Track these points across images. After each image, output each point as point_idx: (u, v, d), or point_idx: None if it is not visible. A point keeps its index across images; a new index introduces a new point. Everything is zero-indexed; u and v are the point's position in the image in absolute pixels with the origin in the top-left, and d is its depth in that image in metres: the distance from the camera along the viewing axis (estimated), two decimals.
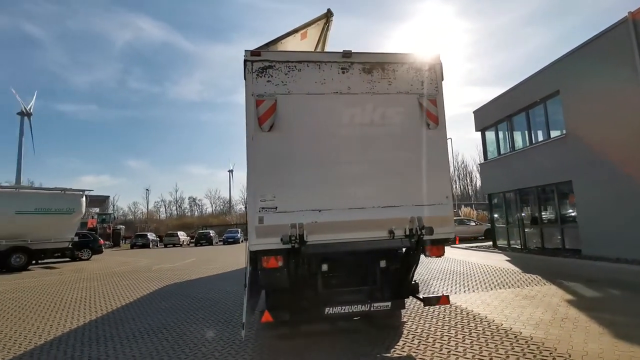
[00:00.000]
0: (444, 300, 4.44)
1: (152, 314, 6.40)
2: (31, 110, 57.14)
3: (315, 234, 4.08)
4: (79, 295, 8.55)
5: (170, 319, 5.92)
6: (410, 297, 4.80)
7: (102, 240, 24.44)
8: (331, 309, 4.19)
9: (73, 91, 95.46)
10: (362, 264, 4.56)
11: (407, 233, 4.16)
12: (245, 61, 4.34)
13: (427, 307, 5.84)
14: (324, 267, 4.36)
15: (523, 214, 14.59)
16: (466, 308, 5.82)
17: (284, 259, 4.05)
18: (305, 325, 5.08)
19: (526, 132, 14.20)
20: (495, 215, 16.80)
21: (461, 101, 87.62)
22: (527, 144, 14.14)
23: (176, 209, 79.31)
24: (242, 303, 4.19)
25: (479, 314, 5.47)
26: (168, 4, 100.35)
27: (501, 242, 15.87)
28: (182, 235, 38.88)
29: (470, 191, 65.12)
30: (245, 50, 4.36)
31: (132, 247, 35.82)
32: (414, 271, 4.48)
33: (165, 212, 78.34)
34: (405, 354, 4.07)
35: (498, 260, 11.90)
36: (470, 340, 4.37)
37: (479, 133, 17.36)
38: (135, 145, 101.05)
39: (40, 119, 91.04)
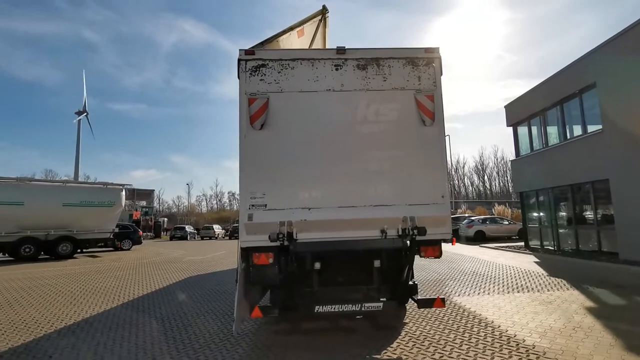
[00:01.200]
0: (438, 303, 4.36)
1: (167, 304, 6.77)
2: (86, 109, 61.44)
3: (306, 232, 4.13)
4: (112, 283, 9.18)
5: (181, 310, 6.24)
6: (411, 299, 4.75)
7: (142, 231, 25.92)
8: (321, 307, 4.25)
9: (125, 91, 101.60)
10: (356, 263, 4.53)
11: (400, 233, 4.11)
12: (239, 60, 4.42)
13: (434, 310, 5.75)
14: (317, 265, 4.35)
15: (557, 214, 13.80)
16: (475, 312, 5.66)
17: (275, 256, 4.14)
18: (306, 322, 5.17)
19: (561, 127, 13.37)
20: (528, 215, 16.01)
21: (504, 95, 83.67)
22: (562, 140, 13.33)
23: (216, 202, 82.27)
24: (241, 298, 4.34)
25: (486, 318, 5.30)
26: (208, 6, 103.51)
27: (534, 243, 15.12)
28: (217, 229, 40.32)
29: (510, 188, 62.25)
30: (240, 50, 4.43)
31: (171, 239, 37.63)
32: (409, 272, 4.43)
33: (206, 206, 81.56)
34: (395, 356, 4.04)
35: (526, 262, 11.36)
36: (467, 346, 4.25)
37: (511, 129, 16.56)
38: (180, 142, 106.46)
39: (96, 117, 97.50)
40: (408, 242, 4.14)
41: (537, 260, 11.89)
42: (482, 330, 4.78)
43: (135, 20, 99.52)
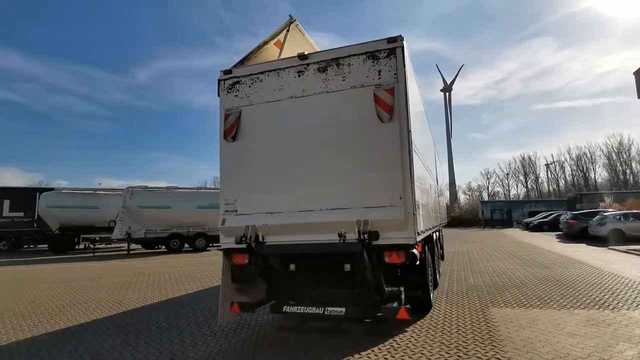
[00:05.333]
0: (402, 313, 4.04)
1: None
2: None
3: (271, 236, 4.44)
4: (207, 272, 11.05)
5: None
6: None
7: None
8: (288, 307, 4.49)
9: None
10: (322, 267, 4.56)
11: (358, 237, 4.02)
12: (218, 80, 4.96)
13: (449, 319, 5.26)
14: (282, 267, 4.57)
15: None
16: (496, 326, 4.90)
17: (250, 257, 4.54)
18: (308, 321, 5.42)
19: None
20: None
21: None
22: None
23: None
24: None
25: (502, 336, 4.56)
26: (334, 16, 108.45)
27: None
28: None
29: None
30: (220, 71, 4.98)
31: None
32: (377, 278, 4.20)
33: None
34: None
35: None
36: None
37: None
38: None
39: None
40: (364, 246, 4.01)
41: None
42: (481, 350, 4.19)
43: None
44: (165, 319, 5.98)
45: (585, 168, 69.71)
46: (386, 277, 4.40)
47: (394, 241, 4.03)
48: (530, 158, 76.20)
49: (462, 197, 75.17)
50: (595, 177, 68.58)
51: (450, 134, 77.37)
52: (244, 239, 4.35)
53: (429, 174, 6.64)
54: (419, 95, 6.02)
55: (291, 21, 5.18)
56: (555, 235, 23.03)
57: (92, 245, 22.25)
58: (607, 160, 66.77)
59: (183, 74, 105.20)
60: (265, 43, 5.20)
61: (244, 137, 4.72)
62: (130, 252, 20.81)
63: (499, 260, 11.84)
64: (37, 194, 24.02)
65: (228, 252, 4.72)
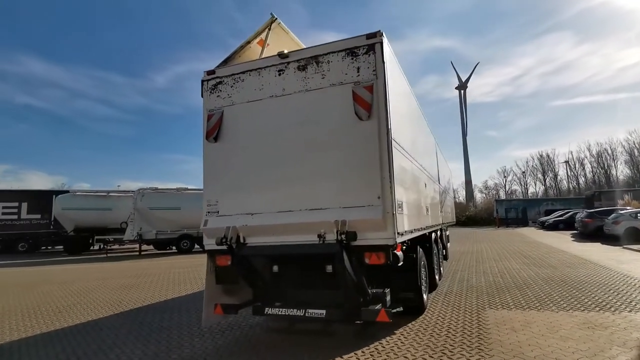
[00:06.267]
0: (382, 315, 3.92)
1: None
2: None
3: (253, 237, 4.39)
4: None
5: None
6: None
7: None
8: (270, 310, 4.43)
9: None
10: (304, 269, 4.50)
11: (337, 238, 3.92)
12: (202, 81, 4.93)
13: (441, 321, 5.13)
14: (275, 268, 4.55)
15: None
16: (488, 329, 4.73)
17: (232, 258, 4.50)
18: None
19: None
20: None
21: None
22: None
23: None
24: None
25: (492, 339, 4.38)
26: (347, 16, 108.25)
27: None
28: None
29: None
30: (203, 72, 4.96)
31: None
32: (358, 280, 4.10)
33: None
34: None
35: None
36: None
37: None
38: None
39: None
40: (342, 247, 3.92)
41: None
42: (466, 350, 4.04)
43: None
44: (159, 320, 6.02)
45: (606, 165, 67.49)
46: (370, 278, 4.29)
47: (374, 242, 3.93)
48: (548, 155, 74.32)
49: (478, 196, 73.94)
50: (617, 174, 66.32)
51: (466, 132, 76.17)
52: (224, 240, 4.32)
53: (423, 173, 6.49)
54: (409, 92, 5.88)
55: (272, 20, 5.13)
56: (571, 234, 22.32)
57: (105, 246, 22.74)
58: (629, 157, 64.42)
59: (199, 77, 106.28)
60: (248, 42, 5.16)
61: (225, 137, 4.69)
62: (142, 252, 21.18)
63: (507, 260, 11.53)
64: (53, 196, 24.70)
65: (212, 254, 4.69)
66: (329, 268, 4.19)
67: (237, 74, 4.73)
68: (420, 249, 5.73)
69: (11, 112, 77.99)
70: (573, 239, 19.06)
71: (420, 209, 5.86)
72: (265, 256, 4.47)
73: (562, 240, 18.17)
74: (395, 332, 4.83)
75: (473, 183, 75.04)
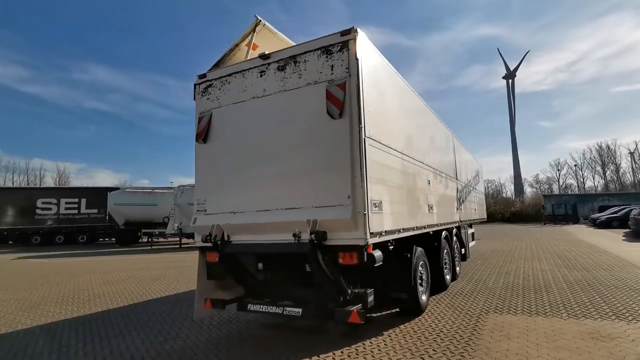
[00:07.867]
0: (354, 317, 3.85)
1: None
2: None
3: (237, 235, 4.55)
4: None
5: None
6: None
7: None
8: (252, 306, 4.55)
9: None
10: (289, 267, 4.55)
11: (309, 237, 3.94)
12: (194, 85, 5.15)
13: (436, 324, 4.98)
14: (259, 265, 4.67)
15: None
16: (480, 335, 4.50)
17: (220, 255, 4.68)
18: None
19: None
20: None
21: None
22: None
23: None
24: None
25: (480, 346, 4.18)
26: (386, 9, 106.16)
27: None
28: None
29: None
30: (197, 76, 5.16)
31: None
32: (335, 278, 4.06)
33: None
34: None
35: None
36: None
37: None
38: None
39: None
40: (314, 247, 3.92)
41: None
42: (451, 354, 3.90)
43: None
44: (169, 311, 6.38)
45: None
46: (348, 278, 4.23)
47: (345, 242, 3.89)
48: (609, 146, 68.05)
49: (528, 190, 69.55)
50: None
51: (514, 122, 71.84)
52: (209, 237, 4.50)
53: (425, 169, 6.25)
54: (402, 87, 5.67)
55: (257, 22, 5.19)
56: (623, 233, 20.23)
57: (151, 239, 24.36)
58: None
59: None
60: (237, 45, 5.28)
61: (213, 138, 4.86)
62: (182, 245, 22.40)
63: (539, 260, 10.80)
64: (108, 192, 26.83)
65: (203, 250, 4.91)
66: (308, 267, 4.22)
67: (225, 76, 4.87)
68: (419, 249, 5.57)
69: (82, 116, 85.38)
70: (624, 238, 17.36)
71: (417, 207, 5.67)
72: (248, 254, 4.59)
73: (610, 240, 16.63)
74: (384, 333, 4.76)
75: (523, 177, 70.75)
